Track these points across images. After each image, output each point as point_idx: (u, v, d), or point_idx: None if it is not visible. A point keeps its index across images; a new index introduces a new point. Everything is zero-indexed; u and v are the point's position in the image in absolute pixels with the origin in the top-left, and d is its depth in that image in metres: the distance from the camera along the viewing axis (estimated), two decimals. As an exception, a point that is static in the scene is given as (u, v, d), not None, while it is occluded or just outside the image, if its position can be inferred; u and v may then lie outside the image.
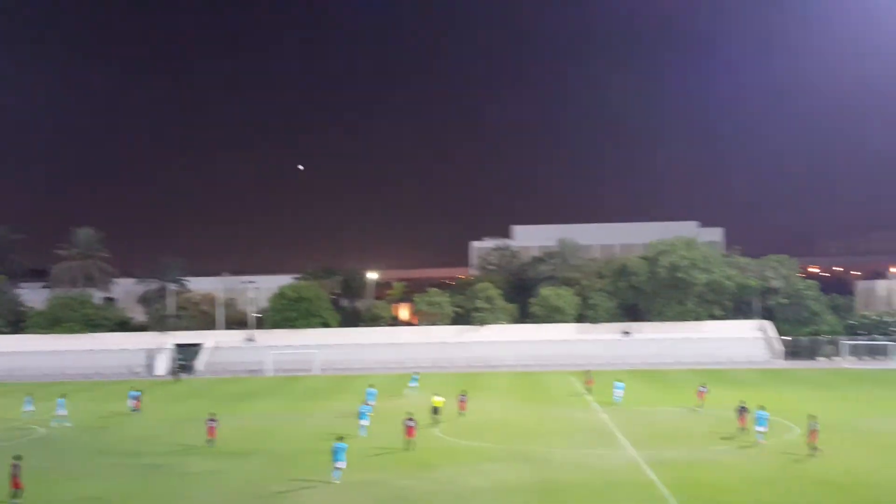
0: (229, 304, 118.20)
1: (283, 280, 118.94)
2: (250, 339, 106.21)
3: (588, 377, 73.96)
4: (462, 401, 59.55)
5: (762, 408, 47.86)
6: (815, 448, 42.65)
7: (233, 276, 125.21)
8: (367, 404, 54.80)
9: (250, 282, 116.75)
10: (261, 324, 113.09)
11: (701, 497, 35.20)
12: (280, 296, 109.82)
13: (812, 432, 42.91)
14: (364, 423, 52.03)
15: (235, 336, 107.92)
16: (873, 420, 54.79)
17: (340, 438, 40.21)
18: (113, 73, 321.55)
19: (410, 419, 47.10)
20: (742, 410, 50.01)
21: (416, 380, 75.04)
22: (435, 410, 55.38)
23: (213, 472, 42.10)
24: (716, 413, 58.81)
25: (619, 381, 67.38)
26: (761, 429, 46.58)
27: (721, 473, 39.59)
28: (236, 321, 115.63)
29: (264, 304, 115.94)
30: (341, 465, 39.01)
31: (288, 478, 40.43)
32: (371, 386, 64.64)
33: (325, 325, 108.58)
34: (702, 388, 62.68)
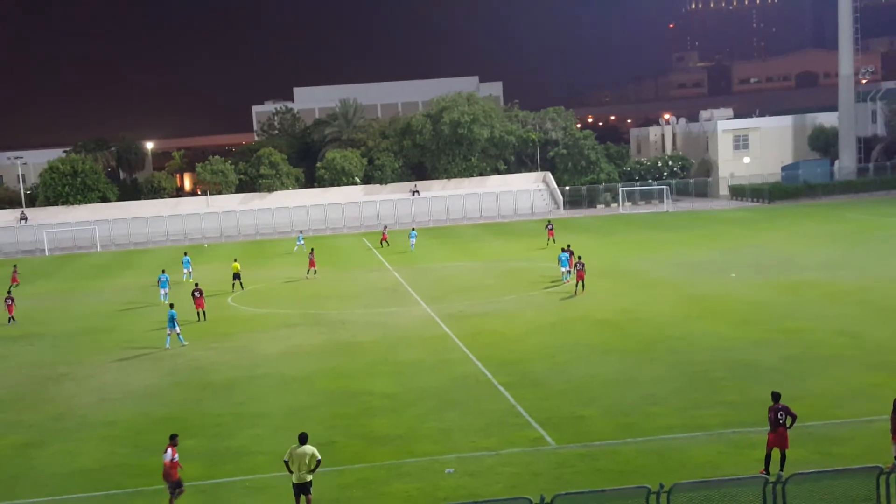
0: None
1: (53, 154, 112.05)
2: (23, 219, 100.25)
3: (384, 232, 77.29)
4: (312, 259, 60.00)
5: (563, 249, 52.12)
6: (583, 286, 46.67)
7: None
8: (166, 274, 53.43)
9: (18, 157, 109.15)
10: (32, 201, 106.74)
11: (492, 345, 36.75)
12: (51, 170, 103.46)
13: (579, 272, 46.88)
14: (164, 291, 51.68)
15: (6, 216, 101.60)
16: (642, 260, 58.81)
17: (172, 306, 40.89)
18: None
19: (197, 289, 46.37)
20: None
21: (301, 238, 76.05)
22: (235, 276, 55.26)
23: (-6, 359, 40.15)
24: (504, 265, 61.29)
25: (413, 230, 74.41)
26: (564, 269, 50.39)
27: (509, 321, 41.44)
28: (5, 200, 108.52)
29: (34, 180, 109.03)
30: (174, 330, 39.73)
31: (78, 357, 39.20)
32: (185, 254, 64.29)
33: (104, 199, 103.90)
34: (549, 227, 68.95)
